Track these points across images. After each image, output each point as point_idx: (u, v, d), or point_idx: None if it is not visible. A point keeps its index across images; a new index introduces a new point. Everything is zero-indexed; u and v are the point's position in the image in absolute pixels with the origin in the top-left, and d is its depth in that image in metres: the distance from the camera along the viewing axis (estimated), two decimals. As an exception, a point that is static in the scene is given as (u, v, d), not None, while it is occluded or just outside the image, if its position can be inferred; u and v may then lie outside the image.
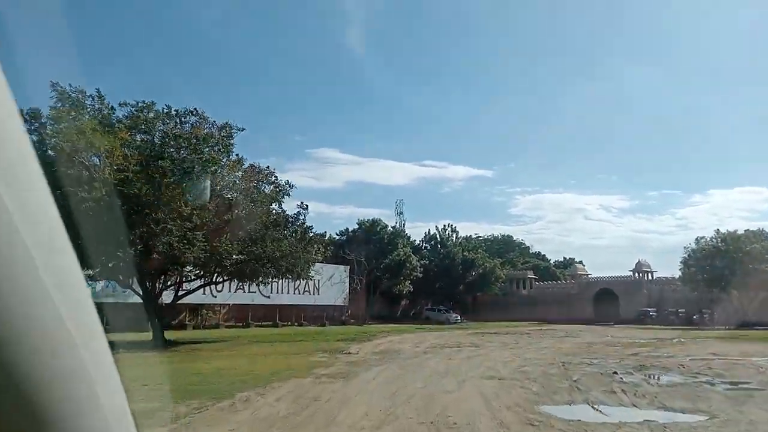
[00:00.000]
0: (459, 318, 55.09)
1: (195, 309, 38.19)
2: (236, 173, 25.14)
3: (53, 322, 0.82)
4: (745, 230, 53.07)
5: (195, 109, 23.70)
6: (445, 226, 66.34)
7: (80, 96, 20.95)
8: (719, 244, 50.62)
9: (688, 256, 52.87)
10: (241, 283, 31.38)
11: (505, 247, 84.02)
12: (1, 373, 0.74)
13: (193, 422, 8.10)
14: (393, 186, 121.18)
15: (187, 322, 37.16)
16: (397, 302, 59.23)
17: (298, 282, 37.52)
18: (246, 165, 25.32)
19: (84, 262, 22.12)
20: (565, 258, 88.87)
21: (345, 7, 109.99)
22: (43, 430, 0.81)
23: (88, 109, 21.32)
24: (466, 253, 61.27)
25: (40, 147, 20.47)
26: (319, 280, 43.34)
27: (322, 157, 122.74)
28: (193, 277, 27.09)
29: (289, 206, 27.39)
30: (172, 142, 22.75)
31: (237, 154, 24.85)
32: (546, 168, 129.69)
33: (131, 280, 24.93)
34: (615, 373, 13.75)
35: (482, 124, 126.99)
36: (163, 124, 23.13)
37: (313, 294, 44.87)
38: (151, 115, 22.72)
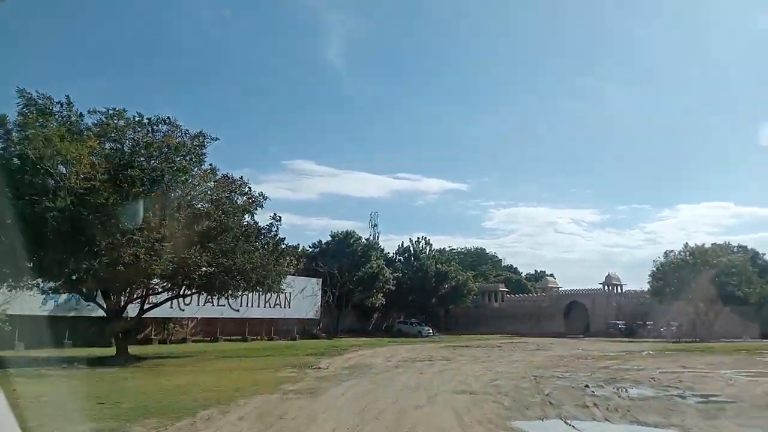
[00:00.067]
0: (431, 331, 54.96)
1: (162, 323, 37.37)
2: (208, 183, 24.70)
3: None
4: (712, 244, 54.18)
5: (168, 117, 23.31)
6: (419, 238, 66.43)
7: (48, 103, 20.50)
8: (687, 258, 51.48)
9: (657, 269, 53.64)
10: (209, 297, 30.79)
11: (477, 260, 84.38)
12: None
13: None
14: (368, 198, 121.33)
15: (153, 337, 36.27)
16: (369, 315, 58.85)
17: (268, 295, 37.07)
18: (219, 175, 24.90)
19: (46, 273, 21.54)
20: (536, 271, 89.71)
21: (324, 21, 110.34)
22: None
23: (56, 116, 20.82)
24: (439, 266, 61.26)
25: (5, 154, 19.91)
26: (290, 293, 42.72)
27: (298, 168, 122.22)
28: (160, 290, 26.49)
29: (263, 218, 27.00)
30: (142, 151, 22.36)
31: (210, 164, 24.52)
32: (520, 182, 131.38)
33: (95, 292, 24.28)
34: (587, 386, 13.69)
35: (458, 138, 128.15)
36: (134, 132, 22.63)
37: (284, 307, 44.23)
38: (122, 122, 22.25)
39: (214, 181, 24.81)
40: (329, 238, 55.47)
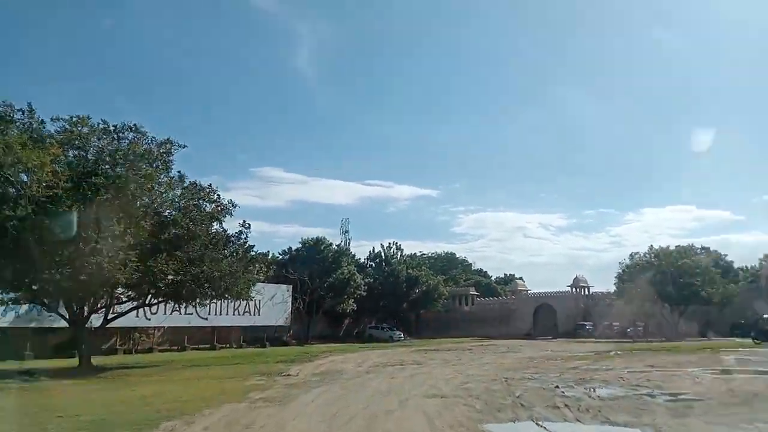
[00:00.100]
0: (402, 336, 54.96)
1: (127, 332, 36.61)
2: (175, 191, 24.35)
3: None
4: (676, 246, 55.38)
5: (134, 124, 23.01)
6: (390, 244, 66.48)
7: (8, 110, 20.04)
8: (652, 260, 52.52)
9: (623, 271, 54.59)
10: (177, 305, 30.28)
11: (448, 265, 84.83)
12: None
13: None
14: (338, 205, 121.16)
15: (118, 347, 35.51)
16: (340, 321, 58.57)
17: (238, 302, 36.66)
18: (187, 183, 24.55)
19: (5, 283, 20.94)
20: (505, 274, 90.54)
21: (294, 30, 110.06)
22: None
23: (17, 124, 20.32)
24: (410, 271, 61.38)
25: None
26: (260, 301, 42.28)
27: (267, 175, 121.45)
28: (125, 299, 25.97)
29: (232, 225, 26.69)
30: (107, 159, 22.01)
31: (179, 171, 24.24)
32: (489, 188, 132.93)
33: (57, 303, 23.68)
34: (557, 387, 13.79)
35: (428, 145, 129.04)
36: (99, 140, 22.26)
37: (254, 314, 43.71)
38: (86, 130, 21.87)
39: (182, 189, 24.49)
40: (299, 245, 55.19)
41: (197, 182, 24.89)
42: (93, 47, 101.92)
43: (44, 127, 21.09)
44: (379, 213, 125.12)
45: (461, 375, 17.63)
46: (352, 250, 63.16)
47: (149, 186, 22.20)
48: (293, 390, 14.17)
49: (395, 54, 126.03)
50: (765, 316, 37.46)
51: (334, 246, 56.29)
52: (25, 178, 19.28)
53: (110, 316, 25.76)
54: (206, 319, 37.74)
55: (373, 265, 64.49)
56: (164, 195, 23.82)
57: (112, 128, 22.33)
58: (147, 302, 26.57)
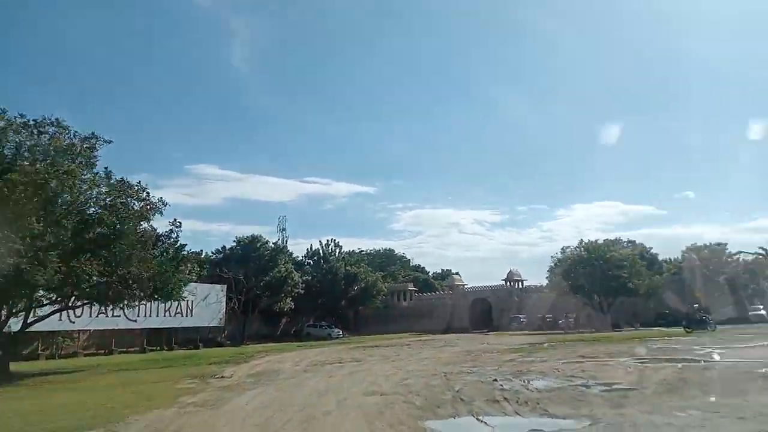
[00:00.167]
0: (341, 333, 54.74)
1: (50, 337, 34.78)
2: (100, 188, 23.18)
3: None
4: (604, 239, 57.37)
5: (56, 119, 21.90)
6: (328, 241, 66.05)
7: None
8: (582, 253, 54.18)
9: (555, 264, 56.11)
10: (103, 307, 28.90)
11: (386, 261, 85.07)
12: None
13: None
14: (275, 203, 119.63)
15: (40, 352, 33.75)
16: (277, 320, 57.69)
17: (168, 303, 35.42)
18: (114, 180, 23.41)
19: None
20: (443, 270, 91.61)
21: (228, 25, 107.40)
22: None
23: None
24: (349, 268, 61.15)
25: None
26: (192, 301, 41.05)
27: (200, 173, 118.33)
28: (46, 302, 24.52)
29: (163, 224, 25.69)
30: (26, 154, 20.94)
31: (105, 168, 23.12)
32: (425, 185, 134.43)
33: (-29, 307, 22.14)
34: (495, 380, 13.83)
35: (365, 142, 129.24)
36: (16, 134, 21.03)
37: (186, 316, 42.39)
38: (2, 124, 20.60)
39: (108, 186, 23.35)
40: (234, 244, 53.99)
41: (125, 179, 23.82)
42: (9, 37, 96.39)
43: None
44: (316, 210, 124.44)
45: (400, 371, 17.52)
46: (290, 247, 62.25)
47: (71, 183, 21.04)
48: (227, 393, 13.66)
49: (332, 51, 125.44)
50: (696, 305, 39.30)
51: (270, 244, 55.32)
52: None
53: (30, 320, 24.26)
54: (135, 321, 36.31)
55: (311, 262, 63.90)
56: (88, 192, 22.67)
57: (31, 122, 21.30)
58: (70, 305, 25.23)
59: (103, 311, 30.80)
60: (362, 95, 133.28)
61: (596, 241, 56.17)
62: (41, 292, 22.82)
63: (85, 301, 25.10)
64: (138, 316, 35.56)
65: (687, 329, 34.94)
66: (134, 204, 23.80)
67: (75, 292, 23.21)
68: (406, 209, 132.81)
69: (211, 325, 45.70)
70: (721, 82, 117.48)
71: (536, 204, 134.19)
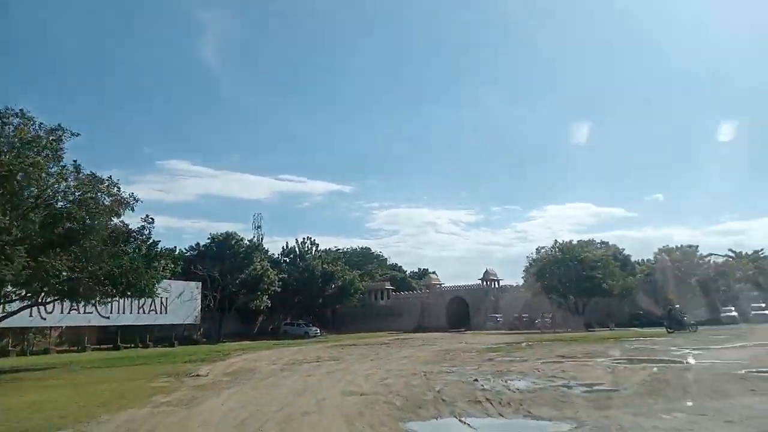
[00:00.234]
0: (318, 331, 54.36)
1: (20, 333, 33.91)
2: (68, 182, 22.53)
3: None
4: (578, 241, 57.88)
5: (21, 109, 21.17)
6: (305, 239, 65.59)
7: None
8: (557, 253, 54.58)
9: (530, 264, 56.46)
10: (74, 304, 28.17)
11: (363, 260, 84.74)
12: None
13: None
14: (250, 200, 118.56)
15: (10, 349, 32.89)
16: (254, 318, 57.07)
17: (142, 300, 34.79)
18: (83, 174, 22.78)
19: None
20: (419, 269, 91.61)
21: (201, 20, 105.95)
22: None
23: None
24: (325, 266, 60.73)
25: None
26: (166, 298, 40.31)
27: (173, 168, 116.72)
28: (15, 298, 23.78)
29: (135, 220, 25.12)
30: (-10, 145, 20.07)
31: (74, 161, 22.47)
32: (401, 184, 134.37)
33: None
34: (476, 380, 13.65)
35: (340, 140, 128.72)
36: (-21, 125, 20.28)
37: (160, 313, 41.62)
38: (-37, 114, 19.82)
39: (77, 180, 22.71)
40: (208, 241, 53.27)
41: (95, 174, 23.19)
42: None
43: None
44: (292, 208, 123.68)
45: (380, 370, 17.28)
46: (266, 245, 61.70)
47: (37, 175, 20.38)
48: (202, 392, 13.27)
49: (309, 49, 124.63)
50: (677, 306, 39.64)
51: (245, 241, 54.73)
52: None
53: (-1, 316, 23.57)
54: (108, 318, 35.53)
55: (288, 260, 63.40)
56: (55, 186, 22.03)
57: (-6, 113, 20.53)
58: (40, 301, 24.54)
59: (75, 308, 30.05)
60: (337, 93, 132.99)
61: (571, 242, 56.71)
62: (9, 288, 22.17)
63: (56, 297, 24.39)
64: (111, 313, 34.88)
65: (668, 330, 34.88)
66: (104, 199, 23.22)
67: (44, 288, 22.54)
68: (382, 208, 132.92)
69: (186, 322, 45.00)
70: (692, 84, 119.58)
71: (510, 205, 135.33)
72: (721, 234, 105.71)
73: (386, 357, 23.16)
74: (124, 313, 37.65)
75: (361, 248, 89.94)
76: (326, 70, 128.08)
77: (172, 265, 30.42)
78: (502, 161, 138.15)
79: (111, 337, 38.95)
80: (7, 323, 25.15)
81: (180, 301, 43.69)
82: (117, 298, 26.69)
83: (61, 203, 22.45)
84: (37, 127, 21.47)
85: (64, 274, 21.44)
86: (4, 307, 24.06)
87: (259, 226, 65.28)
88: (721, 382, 12.07)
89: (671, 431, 7.63)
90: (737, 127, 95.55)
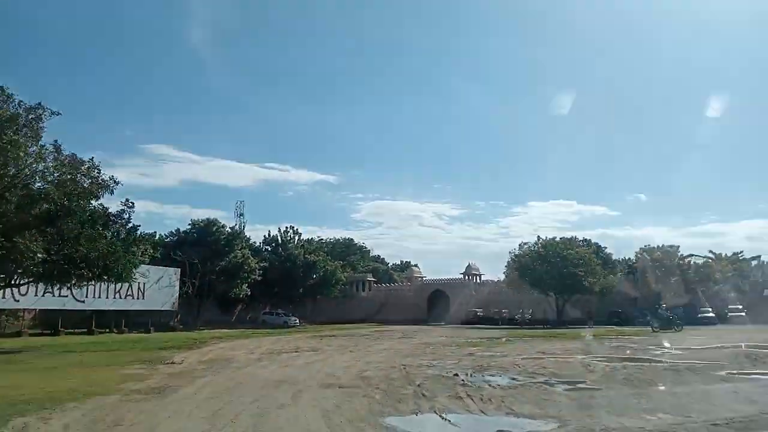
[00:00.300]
0: (298, 321, 53.96)
1: (-8, 315, 33.25)
2: (47, 162, 22.02)
3: None
4: (561, 238, 58.10)
5: (0, 86, 20.53)
6: (287, 228, 65.13)
7: None
8: (540, 250, 54.77)
9: (512, 260, 56.61)
10: (49, 286, 27.62)
11: (346, 251, 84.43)
12: None
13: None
14: (233, 187, 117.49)
15: (-19, 331, 32.17)
16: (233, 306, 56.68)
17: (119, 285, 34.27)
18: (64, 155, 22.29)
19: None
20: (402, 261, 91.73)
21: (188, 5, 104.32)
22: None
23: None
24: (307, 256, 60.36)
25: None
26: (144, 284, 39.80)
27: (156, 153, 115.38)
28: (-13, 279, 23.31)
29: (116, 204, 24.69)
30: (-34, 123, 19.61)
31: (55, 141, 22.00)
32: (386, 176, 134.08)
33: None
34: (456, 375, 13.51)
35: (327, 130, 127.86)
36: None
37: (137, 298, 41.03)
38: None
39: (56, 161, 22.21)
40: (189, 227, 52.70)
41: (75, 155, 22.68)
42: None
43: None
44: (275, 196, 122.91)
45: (359, 362, 17.10)
46: (247, 233, 61.27)
47: (15, 154, 19.87)
48: (175, 380, 12.96)
49: (295, 37, 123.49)
50: (664, 304, 39.85)
51: (227, 229, 54.22)
52: None
53: (-31, 298, 23.03)
54: (83, 302, 34.91)
55: (269, 249, 62.92)
56: (33, 166, 21.52)
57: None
58: (14, 282, 24.00)
59: (50, 290, 29.49)
60: (323, 83, 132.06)
61: (553, 238, 56.93)
62: (-19, 269, 21.71)
63: (30, 279, 23.92)
64: (86, 296, 34.24)
65: (654, 328, 34.31)
66: (84, 181, 22.74)
67: (18, 270, 22.10)
68: (367, 200, 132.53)
69: (163, 308, 44.41)
70: (674, 84, 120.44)
71: (494, 200, 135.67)
72: (700, 235, 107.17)
73: (366, 349, 22.99)
74: (99, 297, 37.01)
75: (344, 239, 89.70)
76: (313, 58, 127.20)
77: (152, 251, 30.00)
78: (487, 155, 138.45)
79: (86, 322, 38.29)
80: (-22, 305, 24.62)
81: (158, 287, 43.11)
82: (93, 282, 26.23)
83: (39, 184, 22.00)
84: (16, 105, 21.02)
85: (39, 255, 21.02)
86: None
87: (241, 214, 64.92)
88: (703, 382, 12.24)
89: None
90: (719, 129, 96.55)
